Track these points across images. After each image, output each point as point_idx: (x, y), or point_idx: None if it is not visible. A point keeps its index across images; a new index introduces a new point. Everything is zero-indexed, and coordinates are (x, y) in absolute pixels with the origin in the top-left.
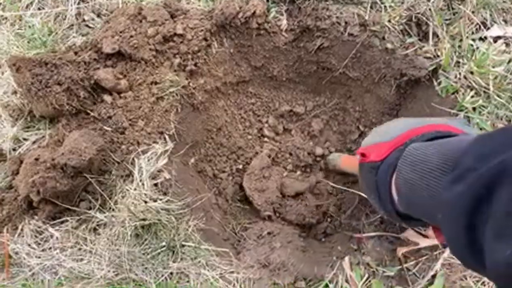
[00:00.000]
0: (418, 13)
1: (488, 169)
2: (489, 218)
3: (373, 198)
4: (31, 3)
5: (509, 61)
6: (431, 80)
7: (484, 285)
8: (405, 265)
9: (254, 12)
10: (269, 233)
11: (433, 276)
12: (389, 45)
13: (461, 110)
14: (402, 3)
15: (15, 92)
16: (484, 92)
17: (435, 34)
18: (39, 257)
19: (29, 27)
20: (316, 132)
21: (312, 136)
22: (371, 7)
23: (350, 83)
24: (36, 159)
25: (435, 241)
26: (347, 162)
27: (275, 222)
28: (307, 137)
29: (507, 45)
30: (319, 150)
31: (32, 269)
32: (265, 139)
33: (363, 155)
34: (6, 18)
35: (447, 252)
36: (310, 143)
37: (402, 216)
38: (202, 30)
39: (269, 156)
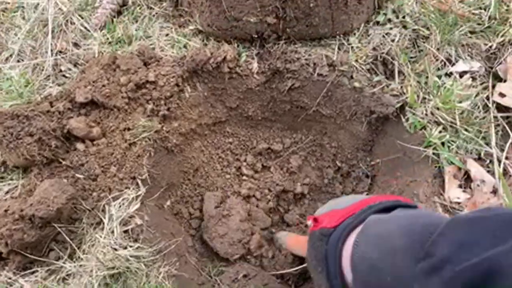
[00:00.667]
0: (383, 52)
1: (470, 267)
2: None
3: (319, 272)
4: (11, 55)
5: (476, 95)
6: (399, 117)
7: None
8: None
9: (225, 58)
10: (244, 276)
11: None
12: (357, 84)
13: (429, 146)
14: (368, 43)
15: None
16: (451, 127)
17: (400, 72)
18: None
19: (7, 79)
20: (295, 168)
21: (291, 172)
22: (338, 48)
23: (324, 120)
24: (6, 211)
25: None
26: (293, 243)
27: (251, 262)
28: (286, 174)
29: (474, 79)
30: (299, 189)
31: None
32: (244, 177)
33: (315, 220)
34: None
35: None
36: (290, 181)
37: None
38: (174, 77)
39: (247, 196)
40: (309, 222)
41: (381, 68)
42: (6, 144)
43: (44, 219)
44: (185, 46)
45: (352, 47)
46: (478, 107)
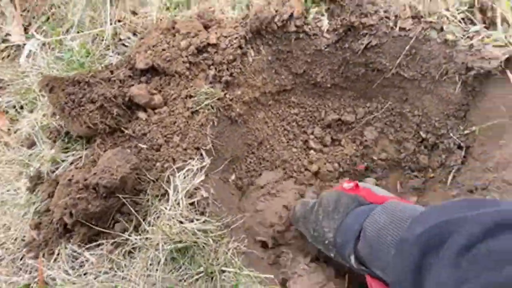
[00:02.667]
0: None
1: (429, 228)
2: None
3: (330, 217)
4: (71, 26)
5: None
6: (504, 72)
7: None
8: None
9: (292, 14)
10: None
11: None
12: (449, 37)
13: None
14: None
15: (54, 114)
16: None
17: (504, 20)
18: (74, 283)
19: (68, 50)
20: (370, 142)
21: (365, 146)
22: None
23: (405, 84)
24: (70, 180)
25: None
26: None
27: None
28: (360, 148)
29: None
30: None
31: None
32: (311, 151)
33: (356, 186)
34: (48, 43)
35: None
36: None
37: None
38: (236, 38)
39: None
40: (347, 184)
41: (478, 16)
42: (68, 112)
43: (108, 188)
44: (247, 6)
45: None
46: None
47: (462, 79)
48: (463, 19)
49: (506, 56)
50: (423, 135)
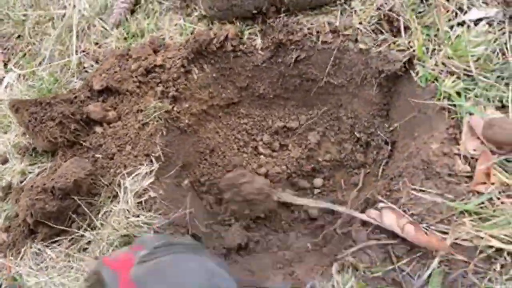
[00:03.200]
0: (390, 10)
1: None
2: None
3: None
4: (43, 59)
5: (494, 41)
6: (408, 72)
7: (491, 282)
8: (397, 265)
9: (227, 36)
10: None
11: (430, 276)
12: (362, 46)
13: (444, 97)
14: (372, 4)
15: (24, 134)
16: (467, 75)
17: (407, 28)
18: (36, 277)
19: (39, 79)
20: (313, 145)
21: (310, 149)
22: (341, 14)
23: (337, 91)
24: (31, 186)
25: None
26: None
27: None
28: (305, 151)
29: (490, 25)
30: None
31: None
32: (261, 156)
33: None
34: (23, 75)
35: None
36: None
37: None
38: (179, 59)
39: (265, 174)
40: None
41: (386, 26)
42: (32, 128)
43: (63, 190)
44: (191, 33)
45: (355, 10)
46: (497, 53)
47: (378, 81)
48: (373, 30)
49: (407, 57)
50: (358, 135)
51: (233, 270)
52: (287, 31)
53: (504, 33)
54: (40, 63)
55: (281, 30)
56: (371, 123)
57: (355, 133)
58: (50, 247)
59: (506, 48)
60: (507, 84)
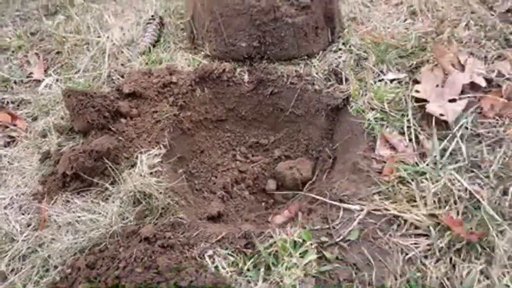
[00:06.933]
0: (336, 67)
1: None
2: None
3: None
4: (78, 71)
5: (401, 92)
6: (346, 107)
7: (391, 236)
8: (331, 225)
9: (224, 69)
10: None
11: (351, 231)
12: (317, 87)
13: (368, 124)
14: (325, 62)
15: (62, 118)
16: (382, 111)
17: (347, 79)
18: (65, 217)
19: (76, 84)
20: (277, 157)
21: (274, 160)
22: (304, 65)
23: (298, 119)
24: (73, 149)
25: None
26: None
27: None
28: (272, 161)
29: (400, 83)
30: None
31: (59, 223)
32: (237, 162)
33: None
34: (61, 79)
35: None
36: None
37: None
38: (189, 79)
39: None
40: None
41: (333, 77)
42: (77, 111)
43: (98, 153)
44: (198, 65)
45: (314, 65)
46: (401, 100)
47: (326, 112)
48: (325, 78)
49: (346, 97)
50: (310, 152)
51: None
52: (266, 72)
53: (407, 88)
54: (76, 73)
55: (263, 71)
56: (320, 143)
57: (309, 151)
58: (78, 198)
59: (407, 96)
60: (405, 116)
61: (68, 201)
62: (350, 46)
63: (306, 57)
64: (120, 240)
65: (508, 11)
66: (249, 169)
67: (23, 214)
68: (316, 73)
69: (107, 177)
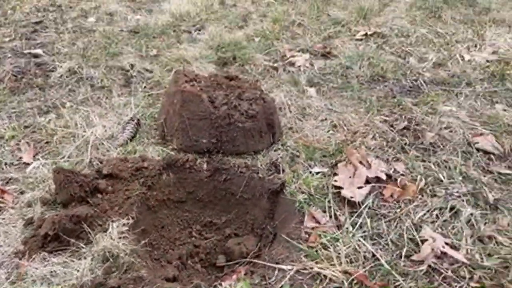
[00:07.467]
0: (276, 161)
1: None
2: None
3: None
4: (64, 156)
5: (324, 181)
6: (282, 191)
7: None
8: (268, 281)
9: (187, 159)
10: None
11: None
12: (261, 176)
13: (299, 203)
14: (268, 157)
15: (46, 191)
16: (309, 194)
17: (283, 170)
18: (41, 271)
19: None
20: (227, 235)
21: (226, 237)
22: (251, 159)
23: (246, 202)
24: (56, 214)
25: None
26: None
27: None
28: (223, 238)
29: (324, 175)
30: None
31: (34, 278)
32: (193, 238)
33: None
34: (47, 163)
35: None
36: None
37: None
38: (157, 165)
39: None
40: None
41: (273, 168)
42: (63, 185)
43: (78, 217)
44: (166, 155)
45: (259, 159)
46: (324, 186)
47: (267, 195)
48: (267, 169)
49: (282, 182)
50: (256, 230)
51: None
52: (221, 163)
53: (328, 179)
54: (61, 158)
55: (218, 162)
56: (263, 222)
57: (254, 229)
58: (55, 255)
59: (329, 184)
60: (326, 198)
61: (45, 259)
62: (286, 147)
63: (253, 153)
64: None
65: (404, 128)
66: (203, 244)
67: (2, 269)
68: (260, 165)
69: (81, 239)
